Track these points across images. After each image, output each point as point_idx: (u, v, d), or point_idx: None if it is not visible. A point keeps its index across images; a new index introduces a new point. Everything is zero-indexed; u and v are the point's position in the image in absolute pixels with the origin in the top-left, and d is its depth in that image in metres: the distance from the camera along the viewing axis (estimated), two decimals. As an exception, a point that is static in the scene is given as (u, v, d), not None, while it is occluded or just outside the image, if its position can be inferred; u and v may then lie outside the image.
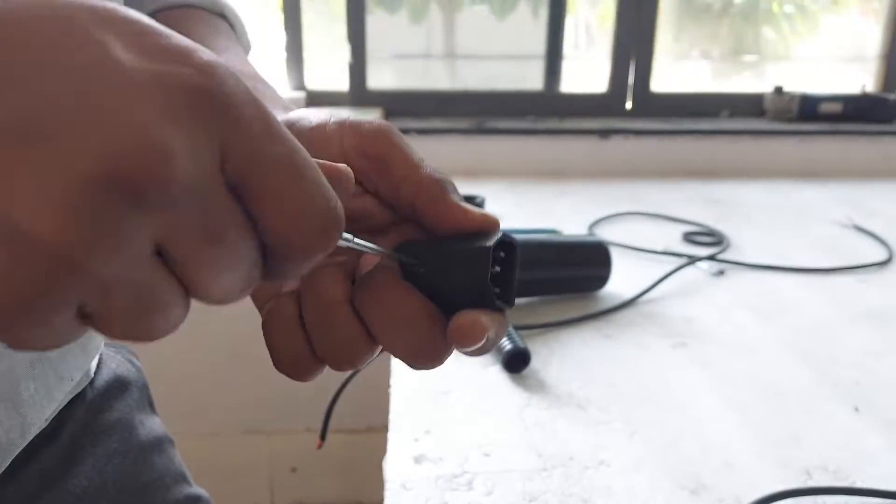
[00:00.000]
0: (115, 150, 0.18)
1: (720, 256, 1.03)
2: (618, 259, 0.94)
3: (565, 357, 0.74)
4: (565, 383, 0.69)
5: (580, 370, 0.72)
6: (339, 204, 0.23)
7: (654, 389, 0.69)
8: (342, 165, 0.25)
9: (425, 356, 0.28)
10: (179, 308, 0.22)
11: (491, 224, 0.29)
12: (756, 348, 0.78)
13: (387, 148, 0.29)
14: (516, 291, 0.29)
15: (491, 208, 1.26)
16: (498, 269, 0.28)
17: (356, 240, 0.26)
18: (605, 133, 1.57)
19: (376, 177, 0.30)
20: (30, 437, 0.43)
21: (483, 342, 0.27)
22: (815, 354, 0.76)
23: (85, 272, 0.18)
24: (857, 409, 0.66)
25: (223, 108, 0.20)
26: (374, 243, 0.28)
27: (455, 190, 0.30)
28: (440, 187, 0.29)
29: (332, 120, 0.30)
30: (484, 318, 0.27)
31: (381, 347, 0.29)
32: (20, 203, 0.17)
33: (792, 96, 1.65)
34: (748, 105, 1.72)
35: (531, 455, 0.59)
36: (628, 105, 1.69)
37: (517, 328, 0.74)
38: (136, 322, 0.21)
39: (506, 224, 1.15)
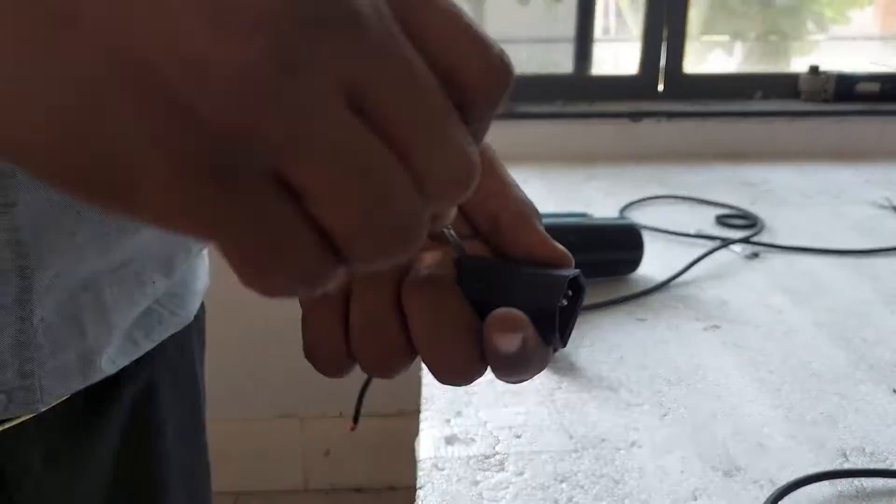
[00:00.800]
0: None
1: (754, 239, 1.02)
2: (650, 242, 0.93)
3: (596, 340, 0.74)
4: (596, 366, 0.69)
5: (611, 353, 0.72)
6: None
7: (687, 372, 0.68)
8: None
9: (460, 372, 0.27)
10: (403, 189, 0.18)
11: (567, 260, 0.28)
12: (791, 330, 0.77)
13: (483, 162, 0.28)
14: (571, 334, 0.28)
15: (521, 193, 1.26)
16: (565, 303, 0.28)
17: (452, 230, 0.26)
18: (635, 116, 1.55)
19: None
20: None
21: (518, 348, 0.26)
22: (851, 337, 0.75)
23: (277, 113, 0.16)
24: (894, 391, 0.65)
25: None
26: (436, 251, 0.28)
27: (540, 219, 0.29)
28: (527, 210, 0.29)
29: None
30: (521, 318, 0.26)
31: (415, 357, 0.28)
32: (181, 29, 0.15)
33: (828, 76, 1.61)
34: (782, 86, 1.68)
35: (562, 436, 0.59)
36: (660, 87, 1.67)
37: (548, 311, 0.74)
38: (366, 207, 0.18)
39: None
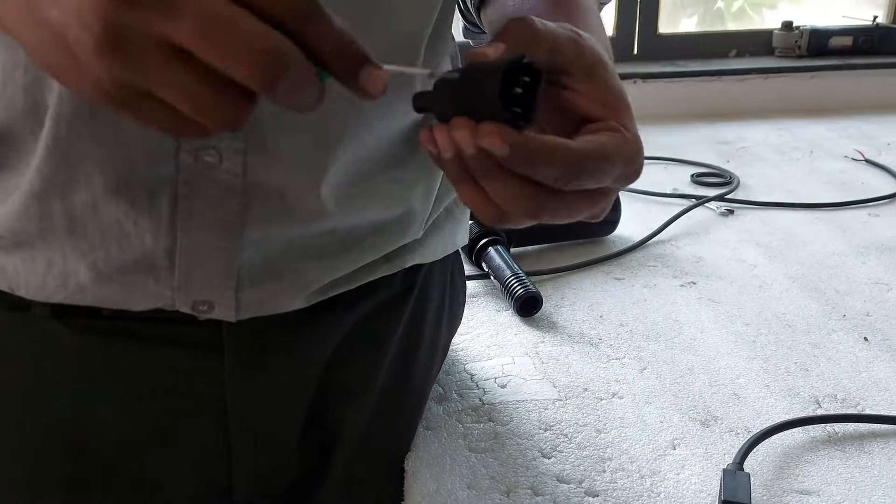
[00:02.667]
0: None
1: (728, 196, 1.03)
2: (627, 203, 0.94)
3: (576, 300, 0.75)
4: (577, 324, 0.70)
5: (591, 311, 0.73)
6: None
7: (664, 327, 0.70)
8: None
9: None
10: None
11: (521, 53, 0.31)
12: (765, 284, 0.79)
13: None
14: (537, 112, 0.32)
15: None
16: (519, 90, 0.31)
17: (393, 67, 0.29)
18: (612, 78, 1.55)
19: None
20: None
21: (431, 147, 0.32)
22: (823, 288, 0.77)
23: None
24: (866, 339, 0.67)
25: None
26: None
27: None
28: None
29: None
30: (457, 131, 0.30)
31: None
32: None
33: (801, 31, 1.62)
34: (756, 43, 1.69)
35: (546, 385, 0.60)
36: (635, 49, 1.67)
37: (529, 274, 0.75)
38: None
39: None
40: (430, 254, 0.51)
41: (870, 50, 1.63)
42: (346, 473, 0.47)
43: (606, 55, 0.36)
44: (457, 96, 0.31)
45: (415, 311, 0.51)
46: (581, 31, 0.35)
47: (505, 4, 0.47)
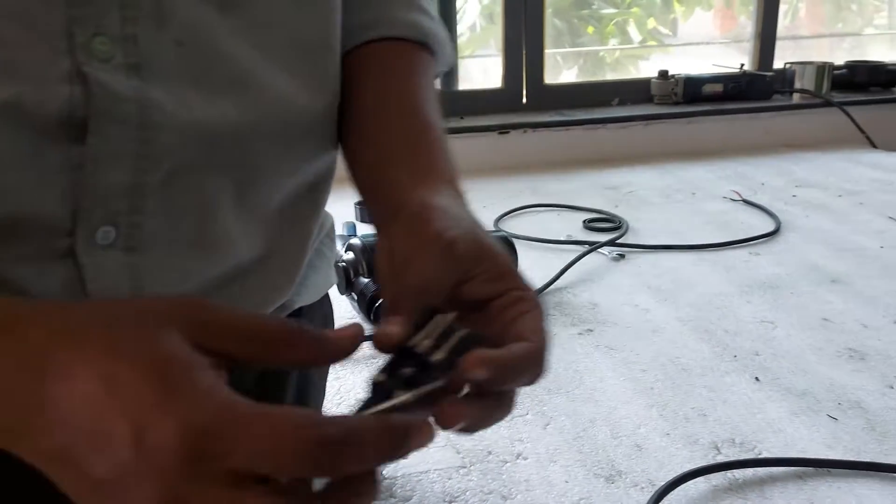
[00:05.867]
0: None
1: (620, 241, 1.06)
2: (524, 251, 0.94)
3: (476, 355, 0.74)
4: (478, 382, 0.69)
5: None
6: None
7: (566, 379, 0.69)
8: None
9: None
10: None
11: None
12: (658, 328, 0.80)
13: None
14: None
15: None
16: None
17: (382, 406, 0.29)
18: (503, 129, 1.58)
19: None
20: None
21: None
22: (713, 329, 0.79)
23: None
24: (757, 379, 0.69)
25: None
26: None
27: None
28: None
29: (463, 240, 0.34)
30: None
31: None
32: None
33: (677, 80, 1.71)
34: (636, 91, 1.77)
35: (449, 452, 0.58)
36: (524, 99, 1.71)
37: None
38: None
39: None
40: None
41: (739, 95, 1.73)
42: None
43: (468, 214, 0.37)
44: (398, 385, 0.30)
45: None
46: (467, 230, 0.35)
47: (366, 150, 0.45)
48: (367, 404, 0.28)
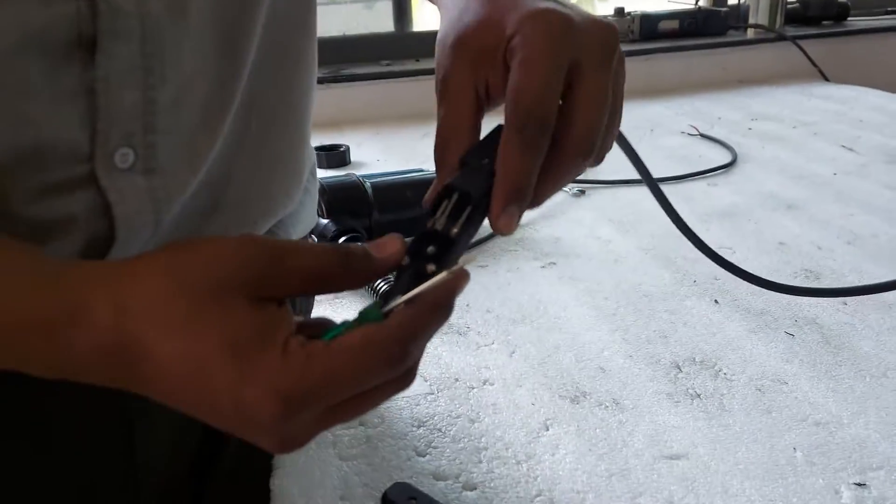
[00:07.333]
0: None
1: (580, 177, 1.06)
2: (483, 190, 0.94)
3: (441, 291, 0.74)
4: (443, 316, 0.69)
5: (458, 300, 0.72)
6: None
7: (529, 309, 0.70)
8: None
9: None
10: None
11: None
12: (620, 258, 0.81)
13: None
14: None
15: (358, 156, 1.24)
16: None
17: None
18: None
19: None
20: None
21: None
22: (674, 257, 0.80)
23: None
24: (716, 302, 0.70)
25: None
26: None
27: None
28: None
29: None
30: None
31: None
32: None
33: (633, 17, 1.70)
34: (594, 30, 1.75)
35: (417, 380, 0.58)
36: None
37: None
38: None
39: (374, 170, 1.14)
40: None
41: (695, 32, 1.73)
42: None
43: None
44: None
45: None
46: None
47: None
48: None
